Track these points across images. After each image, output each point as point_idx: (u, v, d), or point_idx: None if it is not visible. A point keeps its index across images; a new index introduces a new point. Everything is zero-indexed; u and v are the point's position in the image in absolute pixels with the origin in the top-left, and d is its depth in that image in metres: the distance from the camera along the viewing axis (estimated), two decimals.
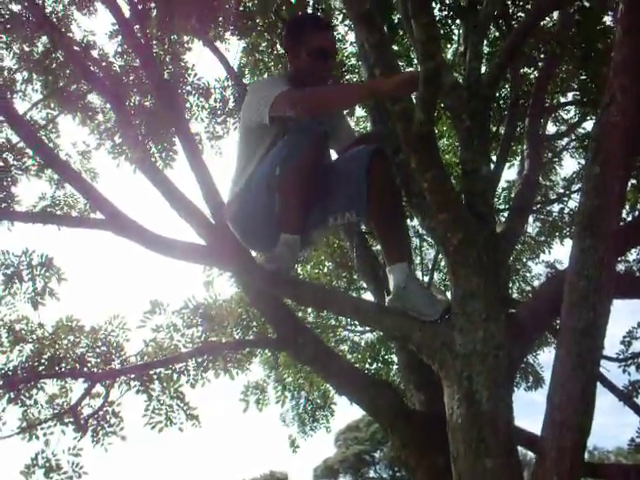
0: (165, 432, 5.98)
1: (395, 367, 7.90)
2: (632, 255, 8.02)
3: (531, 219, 8.64)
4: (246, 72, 7.72)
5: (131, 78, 6.16)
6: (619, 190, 3.02)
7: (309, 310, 7.91)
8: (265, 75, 7.73)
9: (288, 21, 3.55)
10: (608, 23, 5.18)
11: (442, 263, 8.54)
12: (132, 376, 5.84)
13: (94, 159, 7.81)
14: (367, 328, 8.11)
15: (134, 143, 5.60)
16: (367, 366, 7.81)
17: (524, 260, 9.44)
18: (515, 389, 7.73)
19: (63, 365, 5.68)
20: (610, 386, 5.19)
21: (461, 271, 3.14)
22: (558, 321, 3.03)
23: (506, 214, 5.04)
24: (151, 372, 5.86)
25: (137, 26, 5.06)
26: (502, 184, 8.93)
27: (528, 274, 9.52)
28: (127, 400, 6.03)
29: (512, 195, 6.64)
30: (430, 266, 8.62)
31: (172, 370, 5.99)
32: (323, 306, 3.67)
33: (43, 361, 5.73)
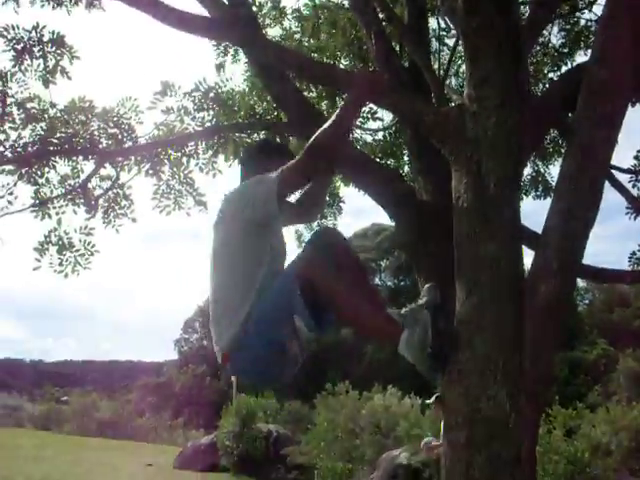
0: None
1: (406, 167, 7.88)
2: None
3: (555, 29, 8.31)
4: None
5: None
6: None
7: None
8: None
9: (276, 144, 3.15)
10: None
11: (459, 69, 8.34)
12: (142, 158, 5.87)
13: None
14: (380, 126, 8.02)
15: None
16: (377, 160, 7.71)
17: (545, 71, 9.16)
18: (524, 196, 7.81)
19: (74, 144, 5.67)
20: (620, 187, 5.10)
21: (479, 55, 3.04)
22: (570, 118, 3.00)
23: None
24: (161, 156, 5.86)
25: None
26: None
27: (548, 86, 9.27)
28: (137, 183, 6.11)
29: None
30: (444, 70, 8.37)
31: (182, 153, 6.01)
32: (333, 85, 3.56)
33: (54, 140, 5.72)
